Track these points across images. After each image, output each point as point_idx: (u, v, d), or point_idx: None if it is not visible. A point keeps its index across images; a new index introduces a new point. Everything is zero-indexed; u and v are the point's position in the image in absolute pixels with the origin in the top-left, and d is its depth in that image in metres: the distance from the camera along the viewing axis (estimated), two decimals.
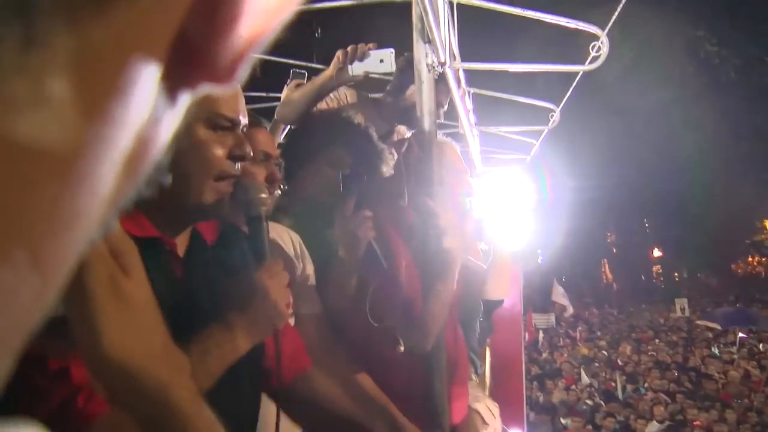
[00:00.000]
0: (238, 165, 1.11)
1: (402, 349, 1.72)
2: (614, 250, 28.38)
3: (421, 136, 1.83)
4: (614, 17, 1.85)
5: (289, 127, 2.46)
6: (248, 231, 1.18)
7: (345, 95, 2.48)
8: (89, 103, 0.17)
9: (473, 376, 2.36)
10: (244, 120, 1.14)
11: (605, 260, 27.82)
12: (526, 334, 14.70)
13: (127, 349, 0.47)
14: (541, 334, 16.16)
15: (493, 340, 5.07)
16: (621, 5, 1.85)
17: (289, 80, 2.67)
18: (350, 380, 1.69)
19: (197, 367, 0.99)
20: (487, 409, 2.22)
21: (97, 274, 0.45)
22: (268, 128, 1.66)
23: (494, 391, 5.15)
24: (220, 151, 1.08)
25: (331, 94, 2.38)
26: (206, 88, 0.22)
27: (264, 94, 4.24)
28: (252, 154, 1.14)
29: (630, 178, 20.30)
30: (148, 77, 0.19)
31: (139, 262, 0.50)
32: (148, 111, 0.20)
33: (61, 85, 0.16)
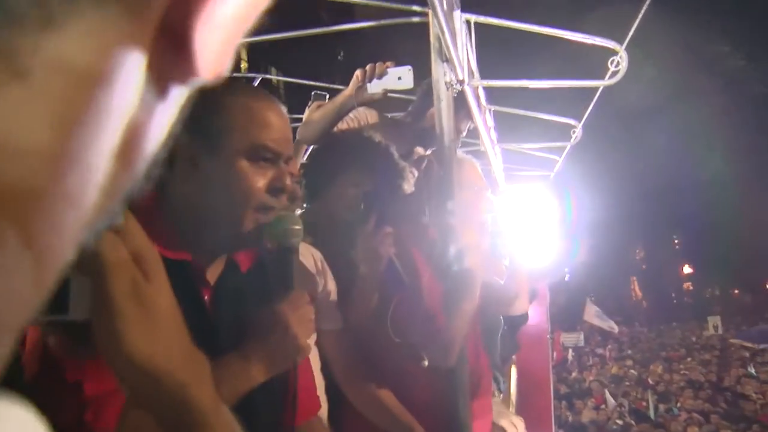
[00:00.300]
0: (278, 198, 1.10)
1: (426, 364, 1.72)
2: (643, 267, 27.92)
3: (441, 154, 1.85)
4: (631, 33, 1.85)
5: (311, 147, 2.49)
6: (277, 261, 1.16)
7: (365, 116, 2.50)
8: (72, 87, 0.17)
9: (496, 393, 2.34)
10: (288, 153, 1.13)
11: (634, 278, 27.35)
12: (554, 354, 14.48)
13: (147, 351, 0.49)
14: (570, 353, 15.92)
15: (520, 358, 5.02)
16: (638, 20, 1.85)
17: (310, 102, 2.71)
18: (373, 396, 1.70)
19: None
20: (512, 424, 2.20)
21: (119, 279, 0.48)
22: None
23: (522, 410, 5.08)
24: (261, 183, 1.07)
25: (352, 115, 2.41)
26: (198, 82, 0.23)
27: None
28: (290, 186, 1.13)
29: (658, 194, 20.03)
30: (133, 64, 0.19)
31: (162, 269, 0.52)
32: (135, 99, 0.21)
33: (43, 68, 0.17)
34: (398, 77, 2.10)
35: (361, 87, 2.17)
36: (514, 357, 4.65)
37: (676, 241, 27.18)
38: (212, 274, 1.15)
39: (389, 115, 2.67)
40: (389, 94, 2.17)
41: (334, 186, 1.93)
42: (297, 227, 1.16)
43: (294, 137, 2.48)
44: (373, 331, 1.70)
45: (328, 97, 2.62)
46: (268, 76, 7.61)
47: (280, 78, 6.20)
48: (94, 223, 0.21)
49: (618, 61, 1.85)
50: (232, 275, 1.17)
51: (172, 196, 1.10)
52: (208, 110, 1.08)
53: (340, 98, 2.26)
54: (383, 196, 1.76)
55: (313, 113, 2.35)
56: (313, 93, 2.75)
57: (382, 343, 1.70)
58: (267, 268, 1.22)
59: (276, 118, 1.11)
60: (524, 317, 3.05)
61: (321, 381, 1.64)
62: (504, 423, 2.19)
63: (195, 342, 1.02)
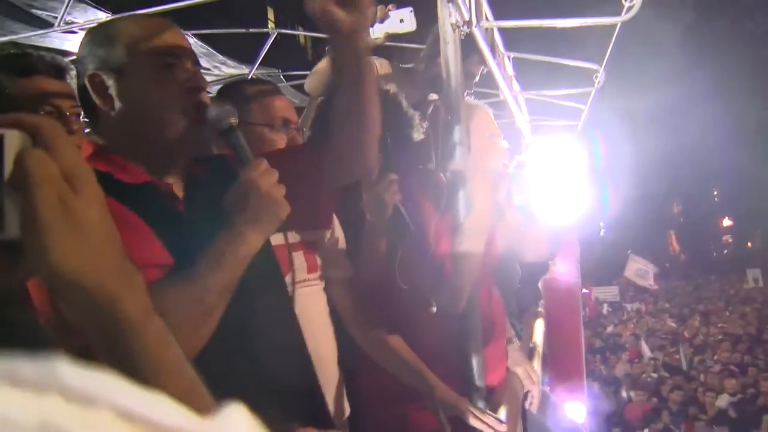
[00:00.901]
0: (200, 95, 1.18)
1: (434, 310, 1.72)
2: (681, 221, 27.35)
3: (448, 99, 1.81)
4: None
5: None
6: (227, 142, 1.22)
7: (376, 65, 2.47)
8: None
9: (514, 340, 2.34)
10: (188, 49, 1.20)
11: (672, 231, 26.85)
12: (587, 309, 14.40)
13: (74, 262, 0.49)
14: (605, 308, 15.81)
15: (548, 312, 5.00)
16: None
17: (326, 56, 2.68)
18: (383, 343, 1.71)
19: (216, 270, 1.05)
20: (527, 373, 2.20)
21: (46, 193, 0.48)
22: (286, 96, 1.69)
23: (552, 363, 5.10)
24: (174, 87, 1.15)
25: None
26: None
27: (309, 72, 4.30)
28: (205, 85, 1.20)
29: (695, 144, 19.45)
30: None
31: (93, 185, 0.52)
32: None
33: None
34: (400, 20, 2.05)
35: None
36: (541, 309, 4.63)
37: (715, 194, 26.48)
38: (178, 190, 1.21)
39: (401, 65, 2.62)
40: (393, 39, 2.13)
41: None
42: (227, 107, 1.21)
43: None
44: (381, 278, 1.71)
45: None
46: (294, 32, 7.53)
47: (307, 33, 6.14)
48: None
49: None
50: (197, 184, 1.23)
51: (106, 134, 1.19)
52: (106, 43, 1.17)
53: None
54: (390, 143, 1.74)
55: (317, 65, 2.33)
56: (327, 48, 2.71)
57: (391, 290, 1.70)
58: (227, 170, 1.28)
59: (165, 27, 1.19)
60: (544, 265, 3.02)
61: (330, 327, 1.66)
62: (519, 371, 2.19)
63: (179, 252, 1.08)
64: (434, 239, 1.77)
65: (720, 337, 12.79)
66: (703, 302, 17.32)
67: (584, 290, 15.64)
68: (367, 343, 1.72)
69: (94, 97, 1.16)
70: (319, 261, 1.66)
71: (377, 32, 2.08)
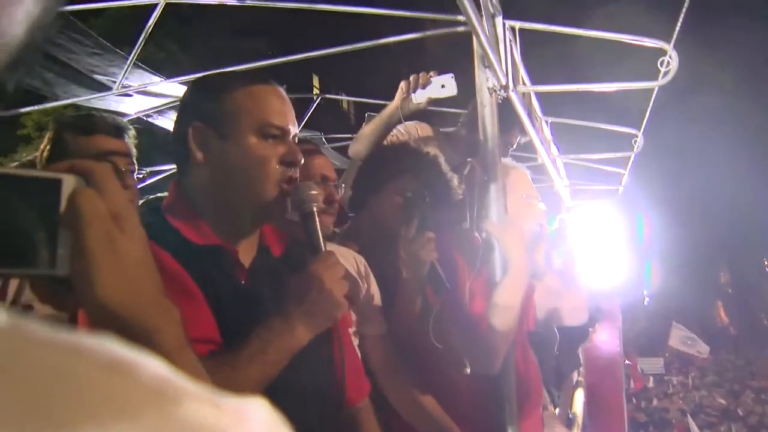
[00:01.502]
0: (293, 170, 1.19)
1: (468, 371, 1.70)
2: (729, 291, 26.38)
3: (485, 159, 1.85)
4: (677, 30, 1.80)
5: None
6: (303, 227, 1.23)
7: (416, 129, 2.54)
8: None
9: (549, 407, 2.27)
10: (293, 129, 1.21)
11: (719, 302, 25.87)
12: (633, 381, 13.81)
13: (117, 297, 0.52)
14: (651, 380, 15.15)
15: (589, 382, 4.85)
16: (681, 17, 1.79)
17: (364, 124, 2.79)
18: (415, 402, 1.69)
19: (259, 358, 1.04)
20: None
21: (95, 230, 0.52)
22: (326, 155, 1.75)
23: None
24: (273, 157, 1.16)
25: (401, 128, 2.44)
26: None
27: (350, 135, 4.44)
28: (300, 160, 1.21)
29: (742, 211, 18.96)
30: None
31: (137, 226, 0.56)
32: None
33: None
34: (441, 85, 2.13)
35: (407, 98, 2.21)
36: (581, 379, 4.49)
37: (766, 263, 25.56)
38: (245, 258, 1.21)
39: (442, 129, 2.69)
40: (435, 105, 2.20)
41: (380, 194, 1.95)
42: (313, 192, 1.23)
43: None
44: (415, 336, 1.70)
45: None
46: (337, 97, 7.79)
47: (350, 98, 6.36)
48: None
49: (668, 61, 1.80)
50: (265, 258, 1.24)
51: (191, 186, 1.19)
52: (214, 98, 1.18)
53: (386, 110, 2.31)
54: (427, 202, 1.77)
55: (362, 130, 2.41)
56: (367, 115, 2.82)
57: (425, 348, 1.69)
58: (298, 251, 1.29)
59: (277, 98, 1.20)
60: (584, 332, 2.95)
61: None
62: None
63: (233, 322, 1.08)
64: (469, 298, 1.77)
65: None
66: (756, 378, 16.44)
67: (627, 361, 15.09)
68: (400, 401, 1.70)
69: (192, 147, 1.15)
70: (354, 317, 1.67)
71: (419, 97, 2.17)
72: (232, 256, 1.18)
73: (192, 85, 1.31)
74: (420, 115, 2.63)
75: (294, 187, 1.20)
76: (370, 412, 1.45)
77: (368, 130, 2.38)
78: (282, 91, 1.23)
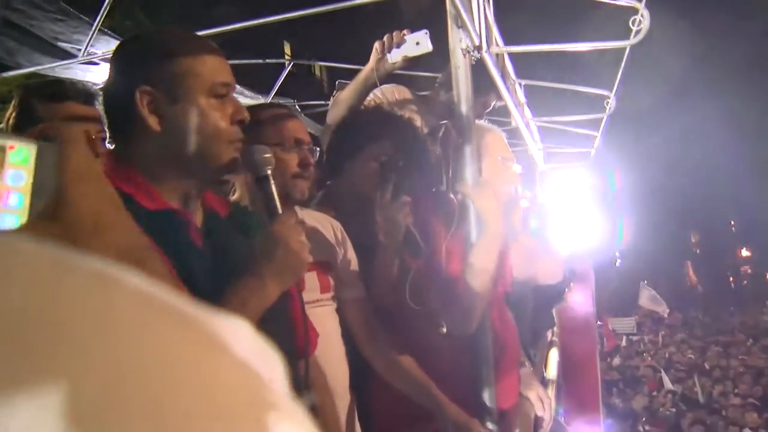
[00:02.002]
0: (241, 128, 1.20)
1: (444, 331, 1.73)
2: (698, 251, 27.04)
3: (459, 122, 1.84)
4: None
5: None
6: (258, 190, 1.25)
7: (393, 92, 2.52)
8: None
9: (526, 364, 2.32)
10: (234, 83, 1.22)
11: (689, 262, 26.53)
12: (606, 340, 14.17)
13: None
14: (624, 340, 15.56)
15: (563, 342, 4.95)
16: None
17: (335, 91, 2.76)
18: (394, 362, 1.71)
19: (238, 315, 1.06)
20: (539, 398, 2.18)
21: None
22: (300, 118, 1.73)
23: (567, 396, 5.02)
24: (224, 118, 1.17)
25: (377, 92, 2.42)
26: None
27: (323, 102, 4.39)
28: (248, 118, 1.21)
29: (711, 174, 19.32)
30: None
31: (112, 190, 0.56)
32: None
33: None
34: (416, 42, 2.12)
35: (382, 58, 2.20)
36: (555, 339, 4.59)
37: (733, 224, 26.22)
38: (196, 221, 1.22)
39: (418, 93, 2.67)
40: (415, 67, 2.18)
41: (355, 160, 1.94)
42: (267, 155, 1.25)
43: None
44: (393, 298, 1.72)
45: None
46: (308, 62, 7.69)
47: (322, 63, 6.25)
48: None
49: (639, 20, 1.81)
50: (214, 220, 1.25)
51: (140, 154, 1.16)
52: (160, 59, 1.15)
53: (362, 73, 2.29)
54: (403, 167, 1.77)
55: (339, 95, 2.38)
56: (337, 82, 2.79)
57: (402, 310, 1.71)
58: (243, 212, 1.32)
59: (217, 55, 1.20)
60: (559, 292, 3.01)
61: (342, 348, 1.67)
62: (531, 395, 2.17)
63: (194, 284, 1.09)
64: (445, 260, 1.79)
65: (741, 369, 12.53)
66: (723, 334, 17.01)
67: (599, 322, 15.43)
68: (379, 363, 1.73)
69: (143, 113, 1.12)
70: (331, 281, 1.68)
71: (395, 57, 2.15)
72: (185, 219, 1.18)
73: (128, 45, 1.25)
74: (398, 80, 2.60)
75: (247, 150, 1.21)
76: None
77: (345, 94, 2.35)
78: (219, 51, 1.22)
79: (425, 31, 2.12)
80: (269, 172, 1.24)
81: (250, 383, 0.24)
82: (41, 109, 1.61)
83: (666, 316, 14.70)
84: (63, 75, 3.25)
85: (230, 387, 0.24)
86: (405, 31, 2.15)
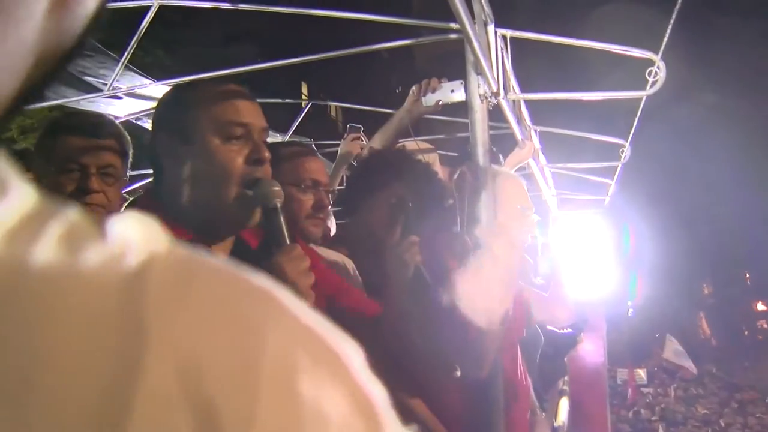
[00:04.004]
0: (260, 169, 1.21)
1: (458, 374, 1.70)
2: (711, 303, 26.63)
3: (475, 166, 1.86)
4: (665, 40, 1.83)
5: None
6: (265, 222, 1.23)
7: (416, 144, 2.56)
8: None
9: (538, 411, 2.29)
10: (259, 125, 1.23)
11: (701, 314, 26.10)
12: (629, 390, 13.86)
13: None
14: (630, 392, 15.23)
15: (574, 391, 4.87)
16: (670, 28, 1.83)
17: (345, 134, 2.81)
18: (404, 405, 1.69)
19: None
20: None
21: None
22: (320, 158, 1.75)
23: None
24: (238, 157, 1.19)
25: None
26: None
27: (338, 142, 4.45)
28: (266, 158, 1.23)
29: (725, 225, 19.18)
30: None
31: None
32: None
33: None
34: (451, 90, 2.19)
35: (417, 101, 2.26)
36: (566, 387, 4.51)
37: (747, 276, 25.87)
38: (221, 252, 1.23)
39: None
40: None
41: (371, 200, 1.96)
42: (276, 188, 1.22)
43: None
44: (402, 338, 1.70)
45: (362, 128, 2.75)
46: (325, 102, 7.83)
47: (339, 104, 6.35)
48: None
49: (656, 72, 1.83)
50: (242, 250, 1.26)
51: (165, 193, 1.23)
52: (179, 106, 1.22)
53: (397, 114, 2.37)
54: (411, 207, 1.78)
55: (375, 136, 2.42)
56: (348, 125, 2.85)
57: (412, 351, 1.70)
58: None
59: (240, 97, 1.23)
60: (570, 339, 2.97)
61: None
62: None
63: None
64: (458, 302, 1.77)
65: (758, 428, 12.19)
66: (739, 390, 16.60)
67: (620, 370, 15.17)
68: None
69: (160, 155, 1.21)
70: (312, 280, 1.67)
71: (429, 101, 2.21)
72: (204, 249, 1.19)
73: (161, 99, 1.33)
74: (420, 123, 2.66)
75: (256, 183, 1.20)
76: None
77: (378, 136, 2.41)
78: (245, 91, 1.25)
79: (461, 81, 2.19)
80: (278, 204, 1.23)
81: (372, 410, 0.27)
82: (41, 145, 1.59)
83: (695, 373, 14.36)
84: (87, 108, 3.34)
85: (357, 415, 0.27)
86: (442, 79, 2.23)
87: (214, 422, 0.22)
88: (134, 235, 0.26)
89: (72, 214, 0.26)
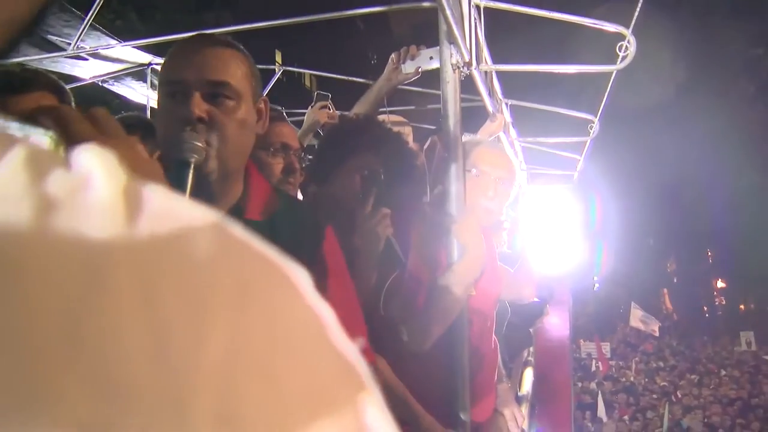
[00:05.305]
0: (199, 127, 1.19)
1: (405, 339, 1.72)
2: (675, 280, 27.35)
3: (446, 137, 1.86)
4: (635, 15, 1.85)
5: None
6: (175, 173, 1.14)
7: (388, 117, 2.55)
8: None
9: (504, 380, 2.34)
10: (197, 77, 1.18)
11: (665, 290, 26.81)
12: (600, 364, 14.21)
13: None
14: (594, 363, 15.65)
15: (539, 362, 4.97)
16: (640, 3, 1.85)
17: (312, 103, 2.79)
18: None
19: None
20: (513, 416, 2.19)
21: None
22: (290, 123, 1.73)
23: (540, 417, 5.02)
24: (174, 114, 1.18)
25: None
26: None
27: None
28: (200, 114, 1.18)
29: (691, 204, 19.59)
30: None
31: None
32: None
33: None
34: (430, 57, 2.19)
35: (396, 69, 2.25)
36: (530, 358, 4.60)
37: (710, 254, 26.58)
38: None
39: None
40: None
41: (341, 169, 1.95)
42: (198, 144, 1.16)
43: None
44: (369, 307, 1.71)
45: (330, 96, 2.73)
46: (298, 69, 7.71)
47: (312, 72, 6.27)
48: None
49: (626, 46, 1.85)
50: (234, 215, 1.21)
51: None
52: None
53: (377, 83, 2.36)
54: (383, 179, 1.78)
55: (356, 105, 2.40)
56: (316, 93, 2.82)
57: (377, 319, 1.71)
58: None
59: (182, 48, 1.23)
60: (536, 310, 3.03)
61: None
62: (506, 412, 2.18)
63: None
64: (417, 274, 1.78)
65: (711, 399, 12.66)
66: (696, 363, 17.17)
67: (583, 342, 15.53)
68: None
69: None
70: None
71: (409, 68, 2.20)
72: None
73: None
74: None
75: (185, 134, 1.15)
76: None
77: (358, 105, 2.39)
78: (201, 40, 1.24)
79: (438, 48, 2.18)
80: (192, 160, 1.14)
81: (346, 359, 0.26)
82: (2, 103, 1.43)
83: (658, 333, 14.84)
84: (50, 68, 3.24)
85: (332, 368, 0.25)
86: (421, 46, 2.23)
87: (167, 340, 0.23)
88: (96, 167, 0.26)
89: (38, 142, 0.25)
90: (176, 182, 1.12)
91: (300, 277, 0.27)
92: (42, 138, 0.48)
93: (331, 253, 1.33)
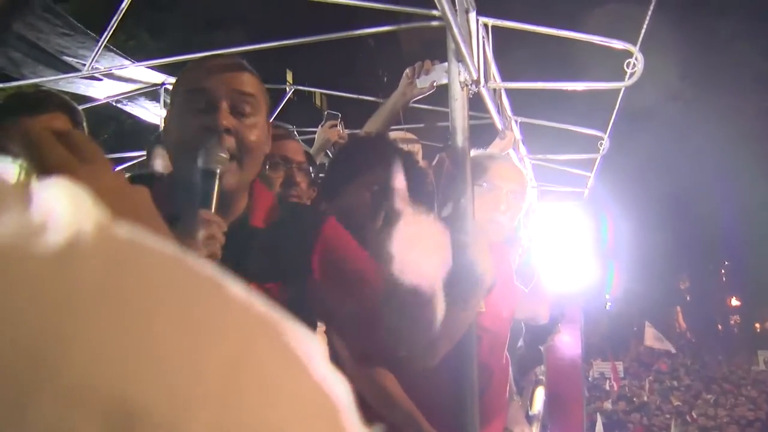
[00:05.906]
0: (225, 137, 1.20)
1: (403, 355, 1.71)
2: (688, 298, 27.06)
3: (454, 153, 1.87)
4: (642, 32, 1.86)
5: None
6: (201, 185, 1.16)
7: (398, 134, 2.57)
8: None
9: (515, 398, 2.32)
10: (222, 91, 1.20)
11: (678, 308, 26.51)
12: (614, 384, 14.05)
13: None
14: (608, 383, 15.47)
15: (550, 381, 4.92)
16: (647, 20, 1.86)
17: (322, 122, 2.81)
18: (375, 380, 1.70)
19: None
20: None
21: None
22: (297, 140, 1.75)
23: None
24: (194, 123, 1.18)
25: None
26: None
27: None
28: (225, 125, 1.18)
29: (703, 221, 19.43)
30: None
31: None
32: None
33: None
34: (444, 71, 2.21)
35: (411, 83, 2.27)
36: (542, 377, 4.56)
37: (723, 272, 26.30)
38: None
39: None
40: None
41: (351, 186, 1.96)
42: (223, 155, 1.17)
43: None
44: (377, 322, 1.71)
45: (340, 116, 2.76)
46: (309, 89, 7.77)
47: (322, 91, 6.33)
48: None
49: (634, 63, 1.86)
50: (239, 227, 1.22)
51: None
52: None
53: (392, 98, 2.38)
54: (390, 193, 1.78)
55: (370, 120, 2.41)
56: (326, 113, 2.85)
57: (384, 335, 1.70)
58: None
59: (199, 68, 1.25)
60: (547, 329, 3.01)
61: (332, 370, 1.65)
62: (516, 430, 2.16)
63: None
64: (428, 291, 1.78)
65: (727, 420, 12.45)
66: (711, 383, 16.92)
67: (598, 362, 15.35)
68: (359, 378, 1.71)
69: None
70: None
71: (423, 82, 2.23)
72: None
73: None
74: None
75: (209, 145, 1.16)
76: None
77: (373, 120, 2.41)
78: (221, 58, 1.29)
79: None
80: (218, 170, 1.15)
81: (331, 406, 0.24)
82: (14, 124, 1.46)
83: (674, 352, 14.68)
84: (66, 89, 3.30)
85: (315, 409, 0.23)
86: (435, 61, 2.25)
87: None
88: (60, 206, 0.23)
89: (4, 173, 0.23)
90: (196, 192, 1.15)
91: (310, 346, 0.24)
92: (10, 168, 0.46)
93: (333, 237, 1.37)
